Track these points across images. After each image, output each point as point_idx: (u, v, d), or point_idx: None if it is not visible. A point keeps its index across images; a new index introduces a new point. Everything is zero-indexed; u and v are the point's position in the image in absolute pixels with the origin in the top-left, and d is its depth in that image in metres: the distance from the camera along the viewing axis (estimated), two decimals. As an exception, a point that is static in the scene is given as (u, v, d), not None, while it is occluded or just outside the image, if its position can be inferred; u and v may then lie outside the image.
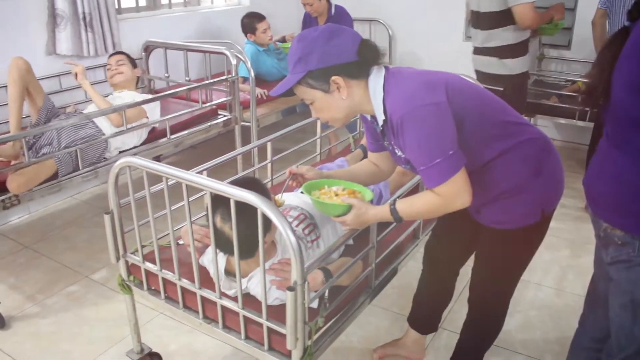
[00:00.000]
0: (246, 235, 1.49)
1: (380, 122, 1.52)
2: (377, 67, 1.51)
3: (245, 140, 3.63)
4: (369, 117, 1.63)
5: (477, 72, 3.43)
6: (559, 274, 2.88)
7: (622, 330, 1.46)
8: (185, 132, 3.30)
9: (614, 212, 1.37)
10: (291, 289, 1.41)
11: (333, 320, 1.73)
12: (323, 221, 1.89)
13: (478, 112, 1.53)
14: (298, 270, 1.39)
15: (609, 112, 1.35)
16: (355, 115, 1.73)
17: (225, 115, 3.55)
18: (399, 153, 1.58)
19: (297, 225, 1.82)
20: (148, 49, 3.83)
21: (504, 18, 3.07)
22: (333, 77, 1.45)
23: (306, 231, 1.82)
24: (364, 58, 1.47)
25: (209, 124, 3.43)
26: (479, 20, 3.25)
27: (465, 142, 1.47)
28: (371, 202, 1.71)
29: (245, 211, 1.44)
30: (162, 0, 4.31)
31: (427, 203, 1.51)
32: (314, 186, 1.73)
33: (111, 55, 3.30)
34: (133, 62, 3.28)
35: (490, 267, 1.78)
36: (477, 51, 3.36)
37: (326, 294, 1.60)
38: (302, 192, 1.73)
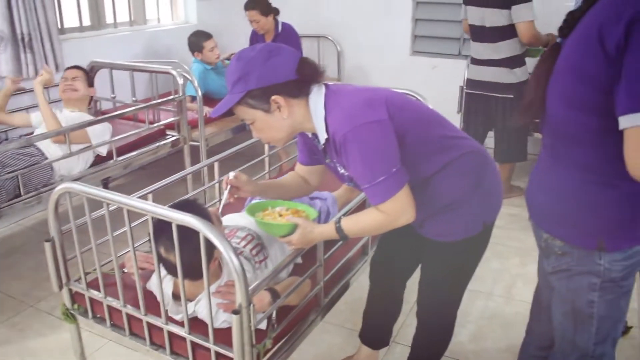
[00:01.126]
0: (190, 259, 1.48)
1: (323, 141, 1.53)
2: (318, 85, 1.52)
3: (195, 159, 3.60)
4: (309, 135, 1.64)
5: (481, 82, 3.61)
6: (509, 282, 2.95)
7: (565, 338, 1.51)
8: (133, 153, 3.25)
9: (554, 223, 1.41)
10: (236, 312, 1.40)
11: (283, 340, 1.72)
12: (271, 241, 1.89)
13: (418, 128, 1.56)
14: (242, 292, 1.38)
15: (547, 126, 1.39)
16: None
17: (173, 136, 3.51)
18: (342, 171, 1.59)
19: (244, 246, 1.81)
20: (93, 69, 3.75)
21: (510, 31, 3.33)
22: (273, 97, 1.45)
23: (254, 252, 1.81)
24: (303, 76, 1.47)
25: (157, 144, 3.38)
26: (484, 34, 3.44)
27: (407, 157, 1.50)
28: (317, 220, 1.72)
29: (188, 235, 1.43)
30: (107, 20, 4.25)
31: (372, 220, 1.53)
32: (258, 207, 1.73)
33: (68, 68, 3.22)
34: (89, 81, 3.22)
35: (436, 279, 1.81)
36: (484, 63, 3.54)
37: (274, 315, 1.59)
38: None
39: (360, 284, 2.42)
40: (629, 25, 1.10)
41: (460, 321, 2.59)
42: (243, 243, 1.82)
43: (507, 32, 3.33)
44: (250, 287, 1.44)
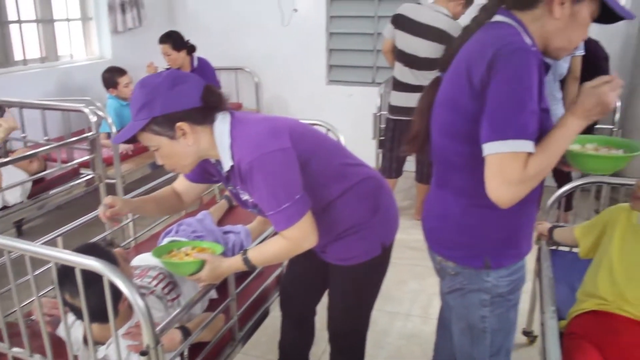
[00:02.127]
0: (97, 302, 1.47)
1: (227, 168, 1.55)
2: (223, 113, 1.55)
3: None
4: (213, 161, 1.65)
5: (410, 109, 3.60)
6: (426, 302, 3.06)
7: (464, 353, 1.60)
8: (46, 194, 3.17)
9: (444, 246, 1.50)
10: (144, 353, 1.41)
11: (199, 377, 1.74)
12: (183, 279, 1.89)
13: (319, 156, 1.63)
14: (149, 333, 1.39)
15: (432, 154, 1.50)
16: None
17: (87, 174, 3.44)
18: (245, 197, 1.63)
19: (156, 285, 1.82)
20: (1, 108, 3.64)
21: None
22: (178, 124, 1.46)
23: (165, 290, 1.82)
24: (208, 104, 1.50)
25: (70, 184, 3.31)
26: (417, 62, 3.55)
27: (309, 184, 1.56)
28: (226, 254, 1.76)
29: (93, 278, 1.42)
30: (15, 57, 4.14)
31: (276, 248, 1.57)
32: (163, 250, 1.74)
33: None
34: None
35: (342, 303, 1.86)
36: (414, 89, 3.60)
37: (185, 352, 1.60)
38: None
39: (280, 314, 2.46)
40: (490, 63, 1.23)
41: (379, 342, 2.69)
42: (155, 282, 1.82)
43: (437, 64, 3.47)
44: (160, 327, 1.45)
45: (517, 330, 1.61)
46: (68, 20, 4.54)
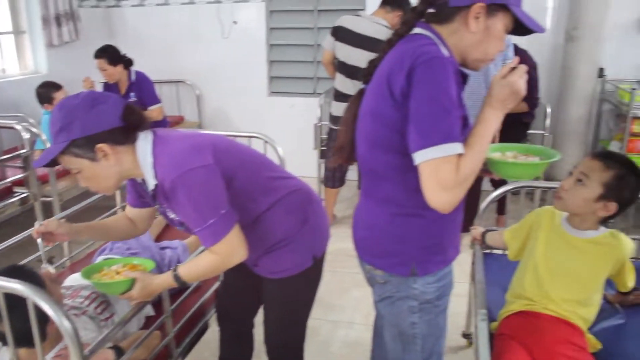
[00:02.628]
0: (23, 326, 1.43)
1: (152, 187, 1.55)
2: (145, 132, 1.54)
3: (49, 216, 3.43)
4: (139, 180, 1.64)
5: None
6: (368, 309, 3.06)
7: (396, 358, 1.62)
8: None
9: (372, 255, 1.51)
10: (70, 376, 1.38)
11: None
12: (117, 298, 1.86)
13: (245, 170, 1.64)
14: (75, 354, 1.37)
15: (359, 165, 1.52)
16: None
17: (22, 193, 3.34)
18: (172, 215, 1.63)
19: (88, 305, 1.79)
20: None
21: None
22: (99, 145, 1.45)
23: (98, 310, 1.79)
24: (129, 123, 1.49)
25: (3, 203, 3.21)
26: (357, 73, 3.54)
27: (236, 199, 1.56)
28: (159, 270, 1.75)
29: (18, 302, 1.39)
30: (-58, 73, 3.99)
31: (206, 263, 1.57)
32: (94, 269, 1.71)
33: None
34: None
35: (277, 316, 1.87)
36: (344, 98, 3.61)
37: (119, 372, 1.59)
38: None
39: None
40: (408, 73, 1.26)
41: (322, 351, 2.71)
42: (87, 302, 1.79)
43: None
44: (89, 348, 1.43)
45: (451, 333, 1.66)
46: (-1, 33, 4.41)
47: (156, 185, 1.54)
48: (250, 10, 4.96)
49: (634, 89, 3.62)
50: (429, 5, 1.40)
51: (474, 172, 1.29)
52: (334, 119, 3.85)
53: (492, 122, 1.31)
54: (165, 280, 1.63)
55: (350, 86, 3.72)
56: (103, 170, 1.50)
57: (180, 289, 1.85)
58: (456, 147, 1.24)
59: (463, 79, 1.41)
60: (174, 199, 1.49)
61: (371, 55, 3.84)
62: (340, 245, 3.96)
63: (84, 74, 4.56)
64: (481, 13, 1.32)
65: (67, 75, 4.43)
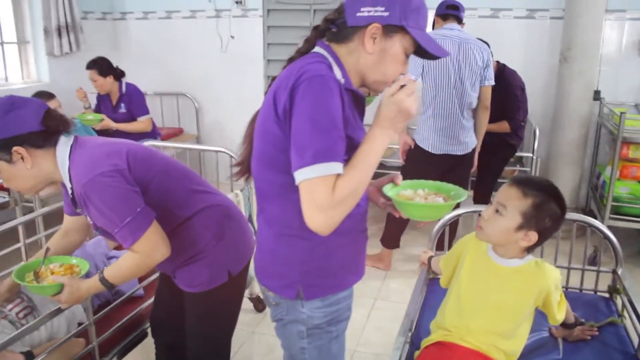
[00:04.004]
0: None
1: (70, 191, 1.59)
2: (67, 137, 1.59)
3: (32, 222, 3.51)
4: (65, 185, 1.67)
5: None
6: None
7: None
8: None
9: (263, 276, 1.47)
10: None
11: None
12: (44, 303, 1.89)
13: (162, 179, 1.66)
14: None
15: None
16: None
17: (3, 197, 3.43)
18: (91, 221, 1.65)
19: (11, 309, 1.83)
20: None
21: None
22: (15, 148, 1.50)
23: (21, 314, 1.83)
24: (48, 128, 1.54)
25: (-18, 207, 3.31)
26: None
27: (153, 207, 1.58)
28: (90, 270, 1.76)
29: None
30: (-56, 80, 4.14)
31: (130, 263, 1.59)
32: (31, 267, 1.75)
33: None
34: None
35: (196, 329, 1.86)
36: None
37: (26, 377, 1.61)
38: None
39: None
40: (291, 92, 1.22)
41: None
42: (10, 306, 1.83)
43: None
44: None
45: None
46: (2, 43, 4.56)
47: (72, 189, 1.57)
48: (248, 25, 5.03)
49: (622, 112, 3.53)
50: (331, 24, 1.38)
51: (355, 193, 1.24)
52: None
53: (378, 141, 1.27)
54: (92, 284, 1.65)
55: None
56: (20, 172, 1.55)
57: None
58: (333, 167, 1.19)
59: (357, 99, 1.38)
60: (88, 202, 1.52)
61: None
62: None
63: (83, 83, 4.69)
64: (377, 34, 1.30)
65: (67, 84, 4.55)
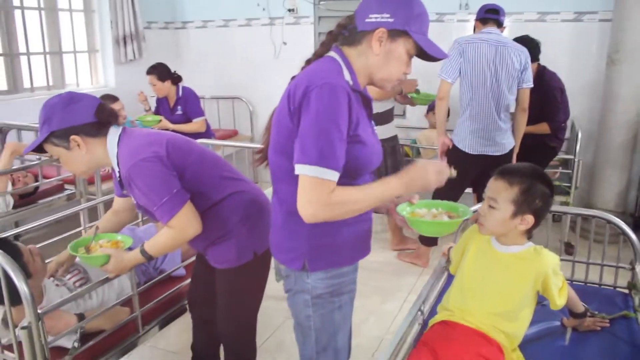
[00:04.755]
0: (8, 287, 1.73)
1: (118, 174, 1.85)
2: (116, 127, 1.85)
3: (94, 214, 3.85)
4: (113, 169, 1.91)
5: None
6: (362, 318, 3.19)
7: (299, 349, 1.72)
8: (34, 205, 3.54)
9: (276, 250, 1.65)
10: (24, 327, 1.67)
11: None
12: (97, 275, 2.15)
13: (196, 166, 1.87)
14: (30, 312, 1.67)
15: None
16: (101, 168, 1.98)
17: (71, 190, 3.79)
18: (134, 200, 1.89)
19: (69, 279, 2.11)
20: (2, 130, 4.07)
21: None
22: (72, 136, 1.76)
23: (77, 284, 2.10)
24: (100, 119, 1.80)
25: (50, 198, 3.67)
26: None
27: (186, 191, 1.78)
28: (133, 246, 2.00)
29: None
30: (24, 84, 4.59)
31: (166, 237, 1.82)
32: (82, 243, 2.02)
33: None
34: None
35: (224, 304, 2.06)
36: None
37: (77, 335, 1.86)
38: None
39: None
40: (303, 93, 1.39)
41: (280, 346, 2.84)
42: (69, 276, 2.11)
43: None
44: (44, 309, 1.73)
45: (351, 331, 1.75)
46: (75, 52, 5.01)
47: (119, 172, 1.83)
48: (300, 32, 5.28)
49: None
50: (343, 29, 1.57)
51: (349, 207, 1.45)
52: None
53: (391, 188, 1.49)
54: (134, 255, 1.89)
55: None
56: (76, 157, 1.81)
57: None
58: (328, 173, 1.38)
59: (365, 100, 1.56)
60: (132, 184, 1.77)
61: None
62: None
63: (145, 88, 5.08)
64: (383, 37, 1.48)
65: (131, 89, 4.93)
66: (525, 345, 1.90)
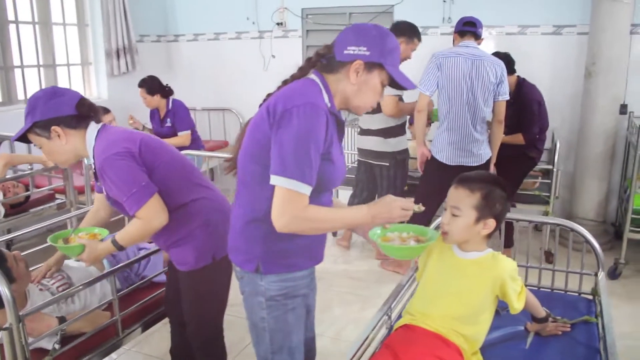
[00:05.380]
0: None
1: (93, 166, 1.95)
2: (96, 123, 1.96)
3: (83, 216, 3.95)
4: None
5: (363, 150, 3.98)
6: (342, 325, 3.29)
7: (255, 349, 1.80)
8: (22, 215, 3.64)
9: (232, 252, 1.74)
10: (4, 328, 1.77)
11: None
12: (80, 281, 2.24)
13: (165, 168, 1.96)
14: (11, 314, 1.76)
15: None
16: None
17: (61, 200, 3.89)
18: (105, 192, 1.99)
19: (52, 284, 2.21)
20: (-3, 141, 4.18)
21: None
22: (53, 127, 1.87)
23: (60, 289, 2.19)
24: (81, 112, 1.92)
25: (41, 207, 3.77)
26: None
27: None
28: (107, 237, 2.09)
29: None
30: (19, 97, 4.71)
31: (134, 228, 1.91)
32: (62, 235, 2.14)
33: None
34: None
35: (188, 304, 2.15)
36: (364, 132, 3.96)
37: (58, 337, 1.95)
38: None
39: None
40: (284, 110, 1.49)
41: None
42: (52, 281, 2.21)
43: (380, 106, 3.74)
44: (25, 311, 1.84)
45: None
46: (68, 65, 5.13)
47: (94, 164, 1.93)
48: (289, 45, 5.41)
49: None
50: (322, 57, 1.67)
51: (318, 225, 1.58)
52: (358, 151, 4.16)
53: (358, 217, 1.64)
54: (106, 246, 1.99)
55: (361, 118, 3.98)
56: (56, 147, 1.93)
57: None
58: (303, 187, 1.49)
59: (338, 122, 1.66)
60: (104, 175, 1.87)
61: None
62: (343, 267, 4.22)
63: (137, 100, 5.19)
64: (360, 68, 1.60)
65: (123, 101, 5.06)
66: (487, 348, 1.98)
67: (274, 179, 1.51)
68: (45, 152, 1.97)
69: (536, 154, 4.02)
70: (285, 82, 1.72)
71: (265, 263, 1.65)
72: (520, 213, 3.39)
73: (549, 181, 4.12)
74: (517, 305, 1.90)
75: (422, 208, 1.75)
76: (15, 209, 3.64)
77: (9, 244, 4.31)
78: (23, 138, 1.94)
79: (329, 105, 1.59)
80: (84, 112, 1.93)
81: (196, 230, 2.02)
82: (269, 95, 1.72)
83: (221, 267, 2.07)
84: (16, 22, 4.62)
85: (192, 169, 2.11)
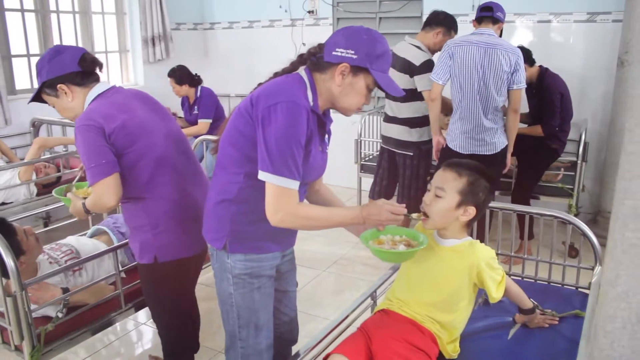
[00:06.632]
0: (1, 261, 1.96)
1: None
2: (104, 84, 2.01)
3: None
4: None
5: (389, 138, 3.96)
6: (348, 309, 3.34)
7: (223, 324, 1.86)
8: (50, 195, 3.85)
9: (205, 230, 1.81)
10: (9, 295, 1.93)
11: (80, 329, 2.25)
12: (88, 254, 2.38)
13: (135, 156, 1.93)
14: (15, 282, 1.92)
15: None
16: None
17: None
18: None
19: (61, 257, 2.37)
20: (35, 124, 4.43)
21: (411, 95, 3.65)
22: (59, 85, 1.94)
23: (69, 262, 2.34)
24: (84, 68, 1.96)
25: (72, 187, 3.98)
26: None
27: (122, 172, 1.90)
28: None
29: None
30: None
31: (90, 198, 1.97)
32: (64, 189, 2.32)
33: None
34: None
35: (144, 294, 2.22)
36: (390, 120, 3.92)
37: (61, 306, 2.11)
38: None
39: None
40: (269, 105, 1.55)
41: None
42: (61, 255, 2.38)
43: (409, 95, 3.67)
44: (30, 280, 2.00)
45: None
46: (107, 52, 5.36)
47: None
48: (320, 32, 5.44)
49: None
50: (313, 56, 1.73)
51: (311, 222, 1.66)
52: (382, 138, 4.13)
53: (350, 217, 1.71)
54: (80, 205, 2.04)
55: (387, 107, 3.96)
56: (65, 104, 1.99)
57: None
58: (291, 183, 1.57)
59: (320, 121, 1.71)
60: (76, 141, 1.90)
61: (401, 76, 3.95)
62: (357, 253, 4.24)
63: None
64: (346, 71, 1.64)
65: (158, 87, 5.22)
66: (467, 337, 2.01)
67: (263, 175, 1.58)
68: (58, 110, 2.03)
69: (558, 145, 3.92)
70: (276, 74, 1.77)
71: (232, 242, 1.72)
72: (543, 207, 3.31)
73: (572, 173, 4.02)
74: (495, 294, 1.90)
75: (421, 216, 1.81)
76: (48, 188, 3.84)
77: (46, 222, 4.60)
78: (39, 99, 2.03)
79: (311, 104, 1.64)
80: (87, 67, 1.97)
81: (144, 227, 2.01)
82: (260, 84, 1.77)
83: (164, 270, 2.05)
84: (57, 11, 4.86)
85: (168, 166, 2.02)
